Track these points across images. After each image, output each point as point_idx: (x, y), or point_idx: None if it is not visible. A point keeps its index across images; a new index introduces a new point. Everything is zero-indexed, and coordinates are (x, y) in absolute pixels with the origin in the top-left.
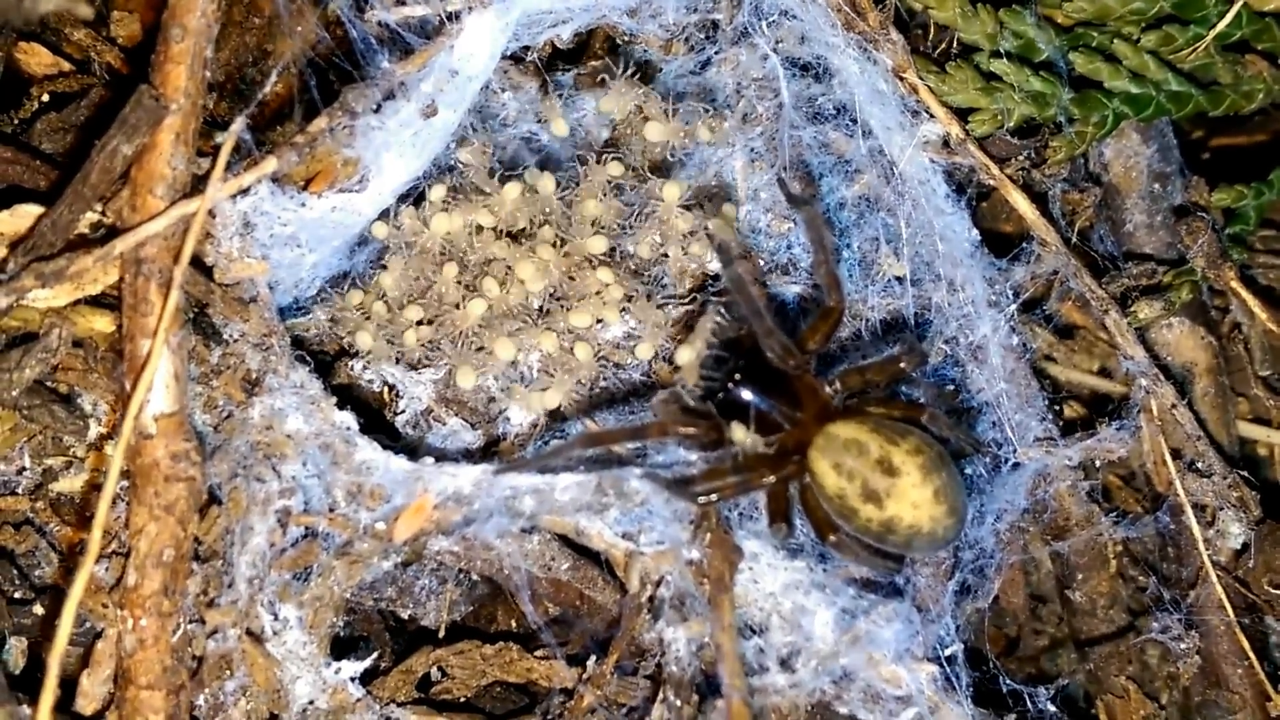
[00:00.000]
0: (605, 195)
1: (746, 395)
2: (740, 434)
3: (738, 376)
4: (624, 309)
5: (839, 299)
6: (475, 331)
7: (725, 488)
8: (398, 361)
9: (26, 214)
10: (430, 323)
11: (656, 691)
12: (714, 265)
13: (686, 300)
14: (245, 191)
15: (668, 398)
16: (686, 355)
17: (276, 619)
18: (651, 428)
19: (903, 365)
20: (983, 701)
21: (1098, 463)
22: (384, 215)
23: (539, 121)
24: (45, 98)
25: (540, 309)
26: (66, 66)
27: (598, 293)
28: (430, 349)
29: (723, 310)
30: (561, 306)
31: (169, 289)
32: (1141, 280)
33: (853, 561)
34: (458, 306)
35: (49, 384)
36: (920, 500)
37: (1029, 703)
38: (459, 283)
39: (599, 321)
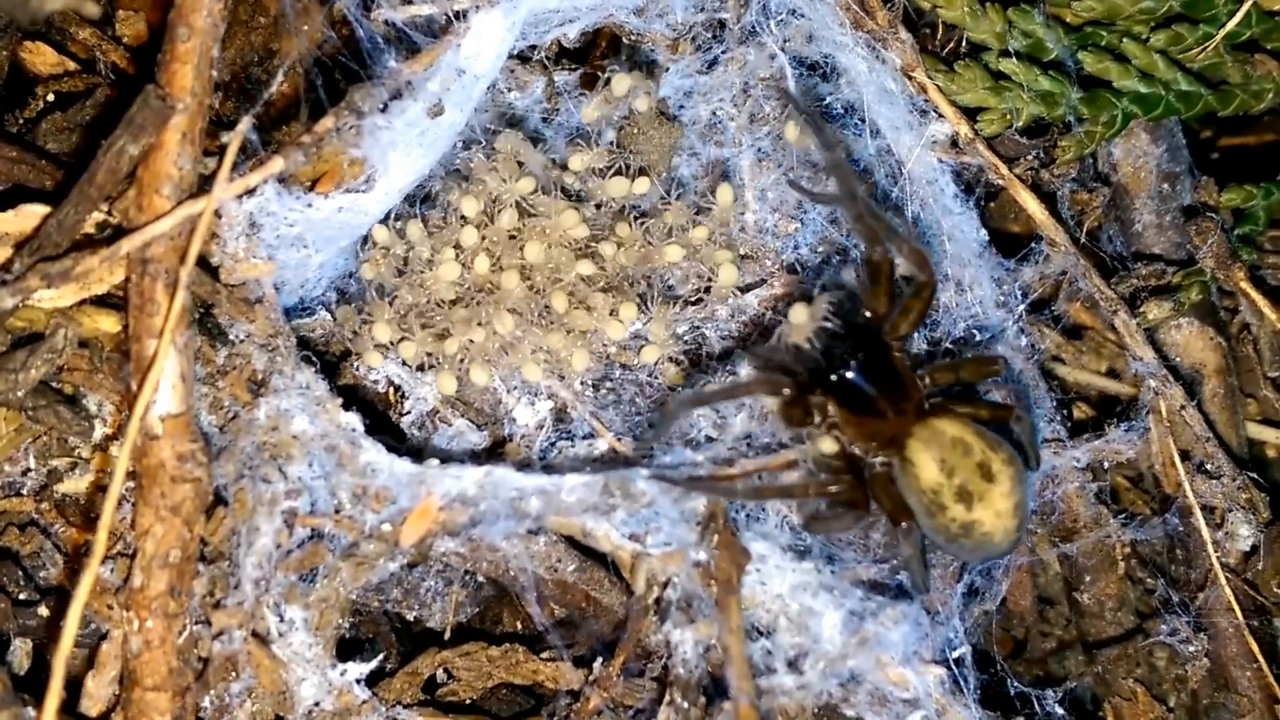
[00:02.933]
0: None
1: (850, 376)
2: (828, 446)
3: (849, 359)
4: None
5: (929, 273)
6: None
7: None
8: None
9: (32, 214)
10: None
11: (663, 694)
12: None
13: (693, 302)
14: (251, 192)
15: (768, 354)
16: (801, 315)
17: (282, 620)
18: (751, 385)
19: (995, 368)
20: (990, 704)
21: (1106, 464)
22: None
23: (544, 120)
24: (50, 97)
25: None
26: (71, 66)
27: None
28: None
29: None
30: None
31: (175, 289)
32: (1150, 281)
33: (900, 554)
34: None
35: (54, 384)
36: (1004, 510)
37: (1037, 705)
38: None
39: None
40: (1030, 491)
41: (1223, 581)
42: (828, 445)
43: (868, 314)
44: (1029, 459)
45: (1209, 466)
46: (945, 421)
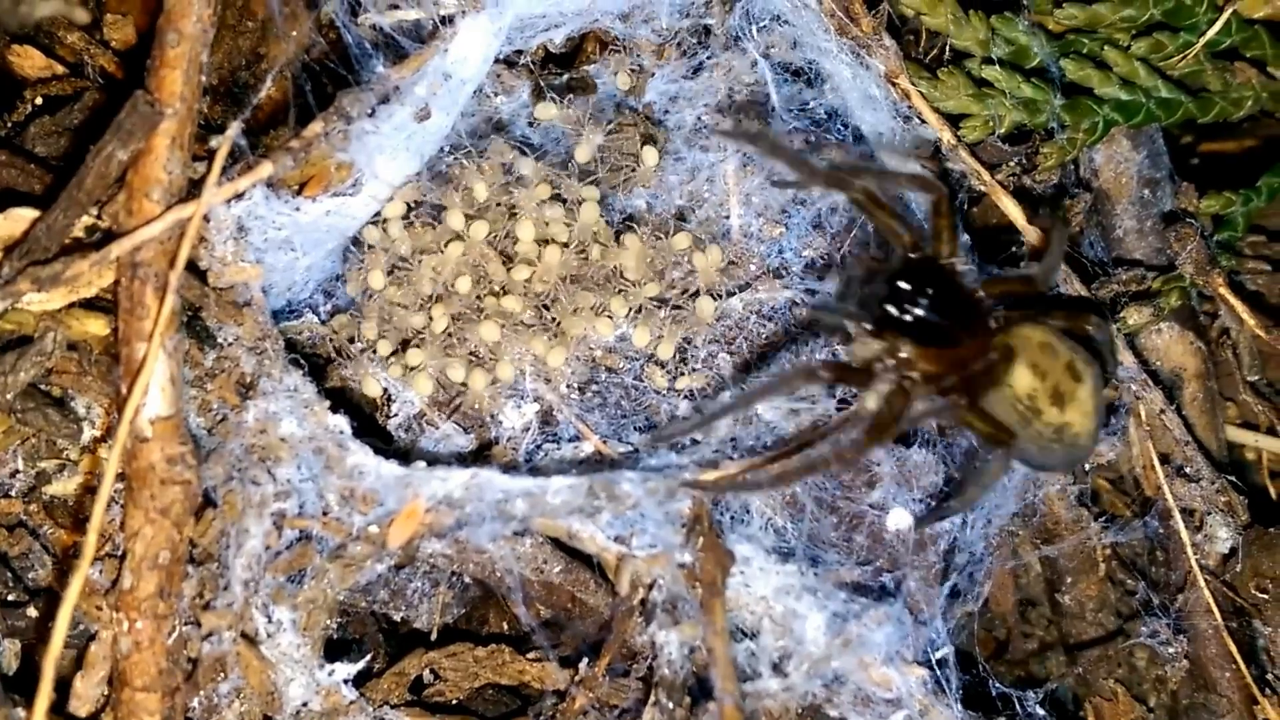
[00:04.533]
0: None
1: (921, 312)
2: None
3: (916, 295)
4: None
5: (936, 188)
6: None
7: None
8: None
9: (21, 217)
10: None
11: (648, 694)
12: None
13: (676, 306)
14: (240, 196)
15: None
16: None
17: (270, 621)
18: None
19: (1037, 283)
20: (972, 704)
21: (1086, 466)
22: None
23: (530, 125)
24: (39, 100)
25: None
26: (60, 69)
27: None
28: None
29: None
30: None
31: (165, 293)
32: (1131, 286)
33: (986, 476)
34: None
35: (43, 387)
36: (1089, 410)
37: (1018, 706)
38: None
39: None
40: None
41: (1202, 583)
42: (872, 401)
43: (908, 252)
44: (1106, 364)
45: (1188, 470)
46: (1029, 328)
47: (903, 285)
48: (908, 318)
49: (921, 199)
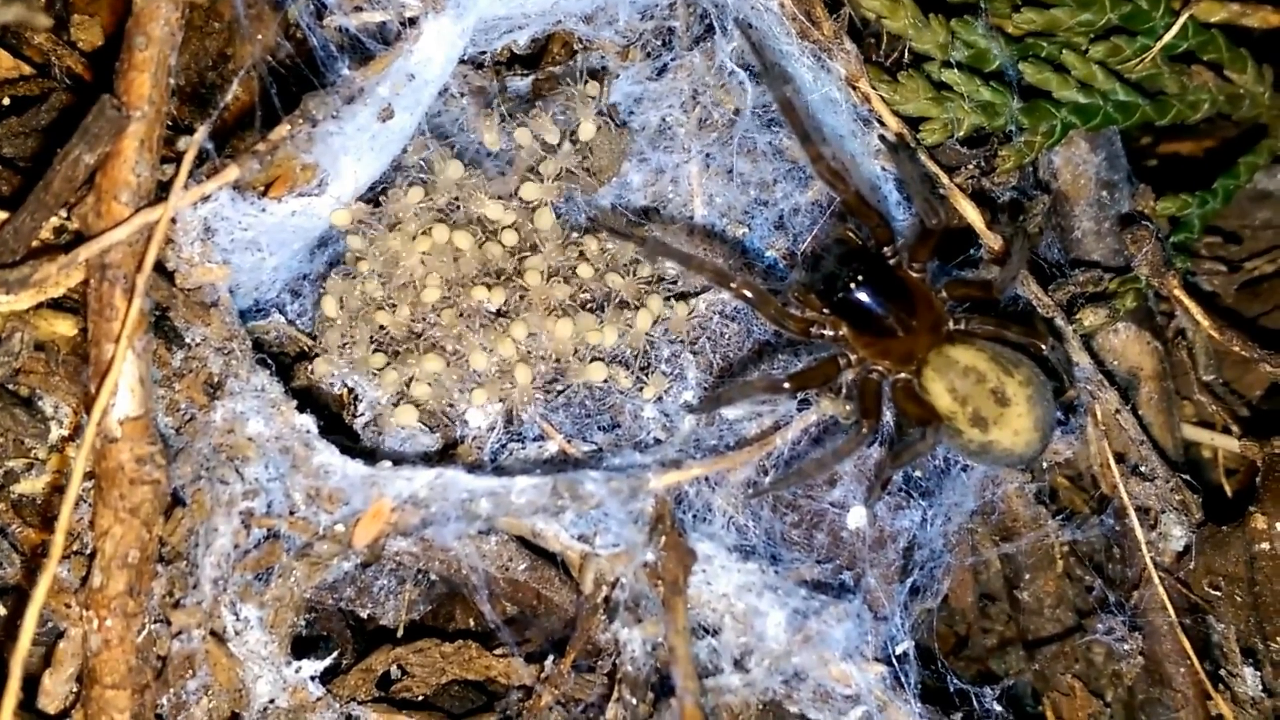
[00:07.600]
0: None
1: (863, 297)
2: (832, 406)
3: (859, 278)
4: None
5: (938, 220)
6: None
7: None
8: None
9: None
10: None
11: (612, 690)
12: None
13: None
14: (207, 198)
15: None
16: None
17: (239, 619)
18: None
19: (995, 289)
20: (930, 700)
21: (1045, 464)
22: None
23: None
24: (6, 101)
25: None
26: (27, 70)
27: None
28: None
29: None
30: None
31: (133, 295)
32: (1088, 287)
33: (916, 447)
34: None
35: (10, 387)
36: (1021, 429)
37: (976, 702)
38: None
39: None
40: (1052, 403)
41: (1156, 580)
42: (830, 405)
43: (870, 241)
44: (1065, 382)
45: (1143, 469)
46: (959, 349)
47: (860, 270)
48: (839, 296)
49: (926, 220)
